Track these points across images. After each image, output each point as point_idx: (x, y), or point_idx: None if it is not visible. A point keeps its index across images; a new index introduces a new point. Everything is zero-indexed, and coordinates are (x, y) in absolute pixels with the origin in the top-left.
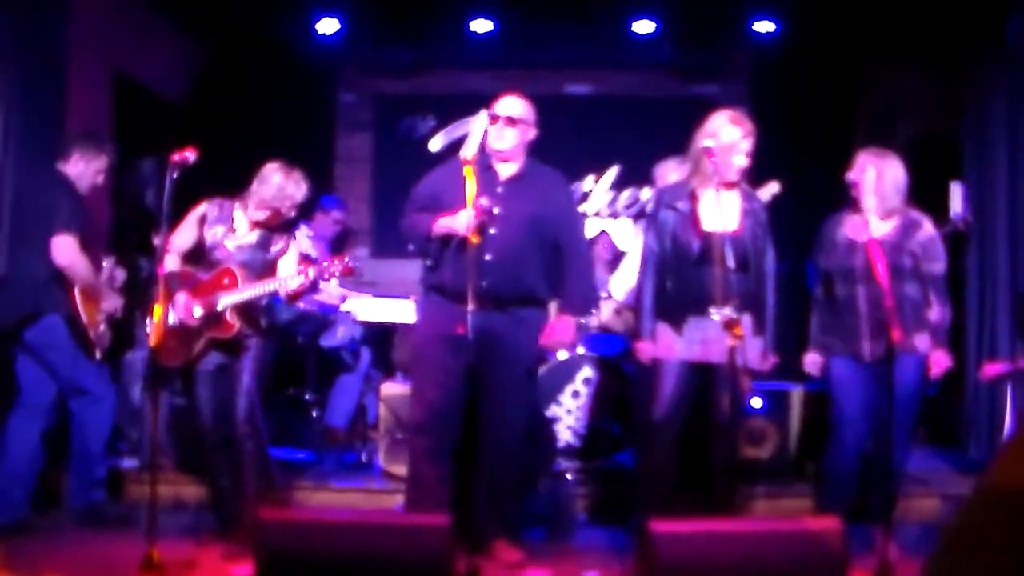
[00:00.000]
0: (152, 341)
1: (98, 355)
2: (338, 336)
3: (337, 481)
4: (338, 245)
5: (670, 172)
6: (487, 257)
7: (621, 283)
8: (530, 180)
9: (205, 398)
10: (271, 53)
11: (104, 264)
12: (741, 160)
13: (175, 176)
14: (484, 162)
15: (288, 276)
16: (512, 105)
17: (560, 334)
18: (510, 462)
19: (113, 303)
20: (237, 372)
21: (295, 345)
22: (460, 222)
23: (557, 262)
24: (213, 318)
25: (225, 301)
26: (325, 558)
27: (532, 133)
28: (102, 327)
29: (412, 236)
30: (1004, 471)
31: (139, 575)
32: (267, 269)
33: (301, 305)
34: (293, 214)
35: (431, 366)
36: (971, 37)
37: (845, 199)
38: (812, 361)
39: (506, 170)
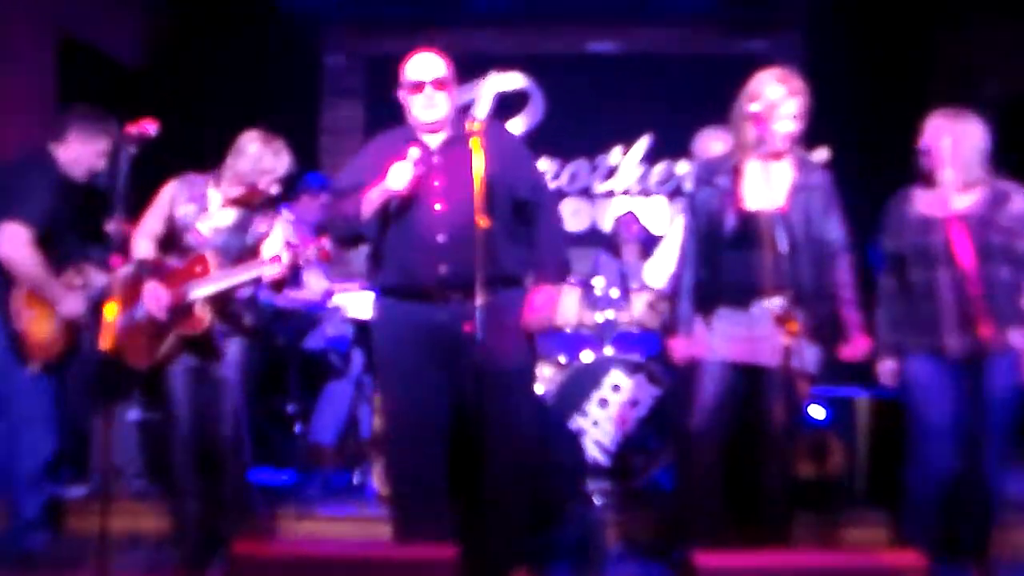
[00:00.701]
0: (104, 343)
1: (36, 367)
2: (325, 336)
3: (324, 508)
4: (324, 230)
5: (711, 143)
6: (439, 239)
7: (657, 271)
8: (464, 139)
9: (182, 403)
10: (245, 9)
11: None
12: (788, 125)
13: (132, 152)
14: (405, 136)
15: (259, 263)
16: (436, 65)
17: (542, 308)
18: (518, 482)
19: (71, 308)
20: (219, 379)
21: (274, 348)
22: (393, 178)
23: (523, 228)
24: (182, 312)
25: (196, 292)
26: None
27: (455, 92)
28: (52, 334)
29: (338, 226)
30: None
31: None
32: (247, 255)
33: (280, 302)
34: (275, 190)
35: (402, 380)
36: None
37: (916, 172)
38: (888, 369)
39: (436, 139)
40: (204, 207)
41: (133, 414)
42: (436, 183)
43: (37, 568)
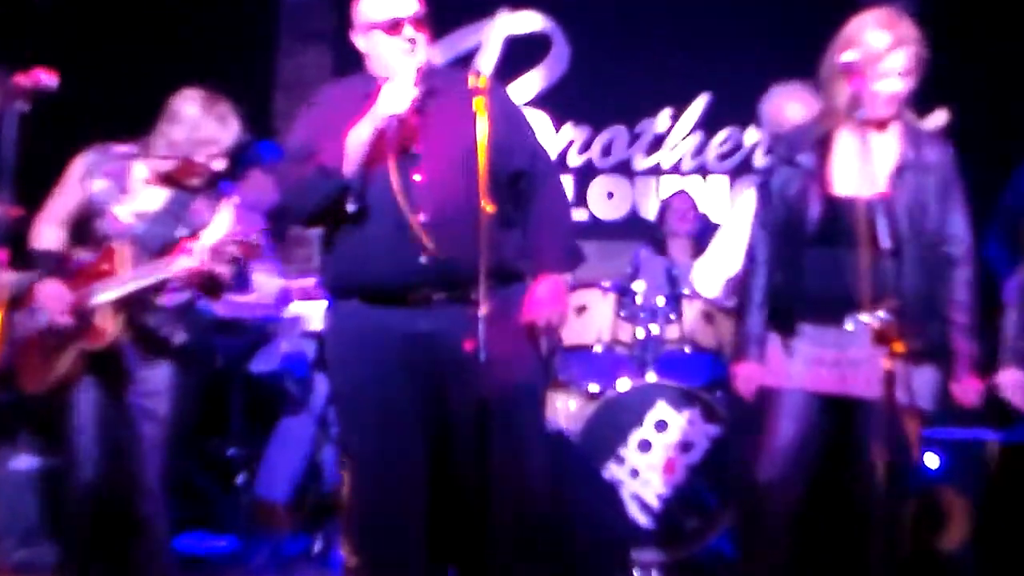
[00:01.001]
0: None
1: None
2: (279, 356)
3: None
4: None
5: (787, 105)
6: (421, 219)
7: (712, 272)
8: (448, 95)
9: (86, 441)
10: None
11: None
12: (894, 84)
13: (23, 110)
14: (367, 86)
15: (169, 260)
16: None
17: (548, 301)
18: (530, 548)
19: None
20: (135, 413)
21: (212, 372)
22: (387, 100)
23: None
24: (83, 320)
25: (100, 295)
26: None
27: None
28: None
29: (303, 192)
30: None
31: None
32: (180, 243)
33: (220, 311)
34: (218, 166)
35: (367, 413)
36: None
37: None
38: (1014, 380)
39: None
40: (124, 186)
41: (23, 461)
42: (412, 148)
43: None
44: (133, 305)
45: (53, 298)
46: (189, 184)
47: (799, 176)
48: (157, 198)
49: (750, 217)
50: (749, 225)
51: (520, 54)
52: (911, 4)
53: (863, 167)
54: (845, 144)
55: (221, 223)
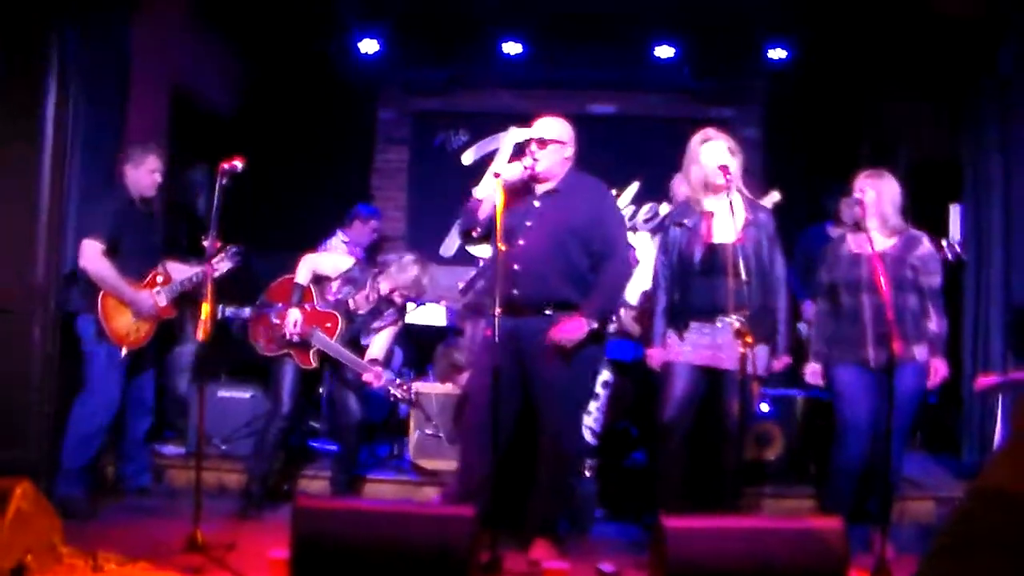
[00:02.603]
0: (200, 336)
1: (123, 354)
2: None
3: (370, 472)
4: (373, 251)
5: (680, 187)
6: (515, 267)
7: (635, 290)
8: (566, 193)
9: (287, 395)
10: (316, 71)
11: (157, 271)
12: (713, 166)
13: (224, 182)
14: (525, 182)
15: (365, 364)
16: (543, 127)
17: (567, 331)
18: (555, 463)
19: (141, 306)
20: (341, 378)
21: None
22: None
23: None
24: (302, 345)
25: (318, 341)
26: (356, 543)
27: (568, 151)
28: (130, 327)
29: (464, 214)
30: (995, 475)
31: (184, 554)
32: (362, 332)
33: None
34: (412, 307)
35: (475, 368)
36: (966, 67)
37: (842, 217)
38: (812, 371)
39: (543, 187)
40: (360, 290)
41: (224, 391)
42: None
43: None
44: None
45: (292, 322)
46: (390, 300)
47: (686, 232)
48: (368, 301)
49: (653, 258)
50: (654, 262)
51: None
52: (761, 128)
53: (725, 225)
54: (711, 207)
55: (385, 336)
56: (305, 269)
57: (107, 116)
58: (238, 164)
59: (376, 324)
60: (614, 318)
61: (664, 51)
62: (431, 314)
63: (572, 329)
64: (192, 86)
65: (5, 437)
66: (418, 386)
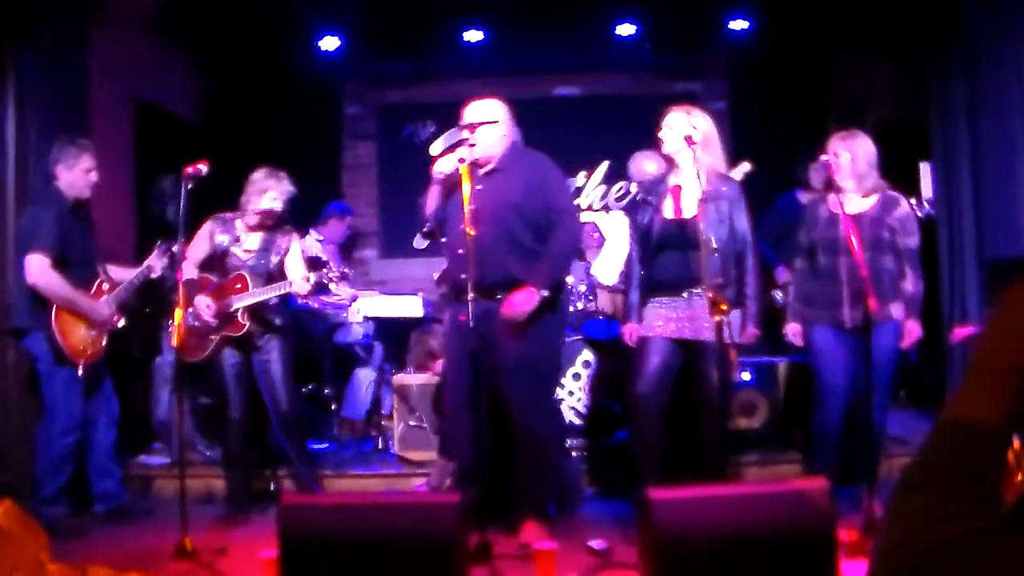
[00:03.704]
0: (174, 342)
1: (79, 370)
2: (351, 332)
3: (356, 468)
4: (347, 248)
5: (646, 163)
6: (460, 252)
7: (603, 269)
8: (506, 170)
9: (233, 390)
10: (278, 71)
11: (101, 277)
12: (676, 140)
13: (190, 187)
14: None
15: (293, 282)
16: (471, 112)
17: (518, 303)
18: (530, 443)
19: (99, 316)
20: (265, 370)
21: (311, 343)
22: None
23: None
24: (227, 318)
25: (238, 303)
26: (343, 537)
27: (503, 128)
28: (87, 340)
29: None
30: (953, 405)
31: (173, 562)
32: (276, 271)
33: (315, 306)
34: (280, 206)
35: (448, 357)
36: (931, 25)
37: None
38: (793, 331)
39: (484, 169)
40: (236, 237)
41: (204, 399)
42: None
43: (133, 517)
44: (258, 307)
45: (203, 307)
46: (269, 226)
47: (652, 208)
48: (255, 240)
49: (626, 235)
50: (627, 240)
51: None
52: (727, 100)
53: (691, 197)
54: (677, 181)
55: (296, 251)
56: (186, 268)
57: (68, 131)
58: (203, 168)
59: (275, 253)
60: (590, 298)
61: (626, 29)
62: (408, 306)
63: (523, 301)
64: (155, 97)
65: None
66: (399, 378)
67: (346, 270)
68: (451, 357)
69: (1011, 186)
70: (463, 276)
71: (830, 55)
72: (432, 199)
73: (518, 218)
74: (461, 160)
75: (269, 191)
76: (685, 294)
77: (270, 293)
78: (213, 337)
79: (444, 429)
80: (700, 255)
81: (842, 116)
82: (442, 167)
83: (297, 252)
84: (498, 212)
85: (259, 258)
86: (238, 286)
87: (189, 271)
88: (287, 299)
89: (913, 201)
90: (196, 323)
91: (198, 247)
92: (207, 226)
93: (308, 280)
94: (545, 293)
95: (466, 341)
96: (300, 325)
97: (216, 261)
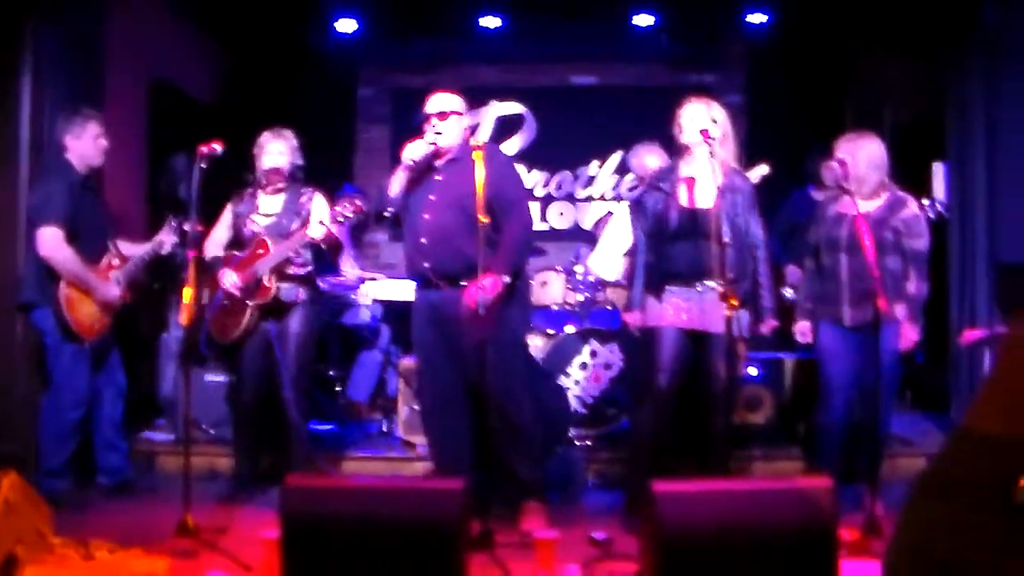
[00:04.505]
0: (183, 321)
1: (85, 345)
2: (358, 314)
3: (359, 450)
4: (358, 230)
5: (648, 157)
6: (423, 240)
7: (601, 262)
8: (464, 160)
9: (250, 372)
10: (294, 53)
11: (112, 253)
12: (694, 134)
13: (203, 166)
14: (428, 158)
15: (309, 229)
16: (440, 101)
17: (484, 289)
18: (512, 435)
19: (107, 293)
20: (285, 339)
21: (323, 321)
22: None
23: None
24: (254, 286)
25: (262, 269)
26: (347, 521)
27: (465, 121)
28: (94, 316)
29: (376, 200)
30: (973, 416)
31: (175, 539)
32: (301, 227)
33: (323, 286)
34: (286, 162)
35: (420, 345)
36: (950, 24)
37: (827, 180)
38: (802, 329)
39: (443, 159)
40: (254, 206)
41: (211, 377)
42: (430, 195)
43: (138, 493)
44: (283, 270)
45: (226, 279)
46: (286, 186)
47: (662, 197)
48: (277, 203)
49: (628, 225)
50: (630, 230)
51: (506, 127)
52: (742, 94)
53: (705, 191)
54: (691, 172)
55: (320, 203)
56: (209, 249)
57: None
58: (217, 148)
59: (296, 213)
60: (598, 288)
61: (643, 19)
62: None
63: (486, 288)
64: (171, 75)
65: None
66: (405, 362)
67: (359, 203)
68: (424, 346)
69: None
70: (425, 264)
71: (847, 52)
72: (397, 184)
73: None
74: (432, 144)
75: (272, 149)
76: (698, 285)
77: (290, 248)
78: (244, 312)
79: (430, 421)
80: (712, 246)
81: (857, 113)
82: (412, 153)
83: (322, 206)
84: (459, 201)
85: (279, 220)
86: (260, 251)
87: (214, 251)
88: (313, 274)
89: (926, 202)
90: (226, 301)
91: (221, 227)
92: (229, 207)
93: (322, 223)
94: (507, 279)
95: (441, 329)
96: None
97: (240, 236)
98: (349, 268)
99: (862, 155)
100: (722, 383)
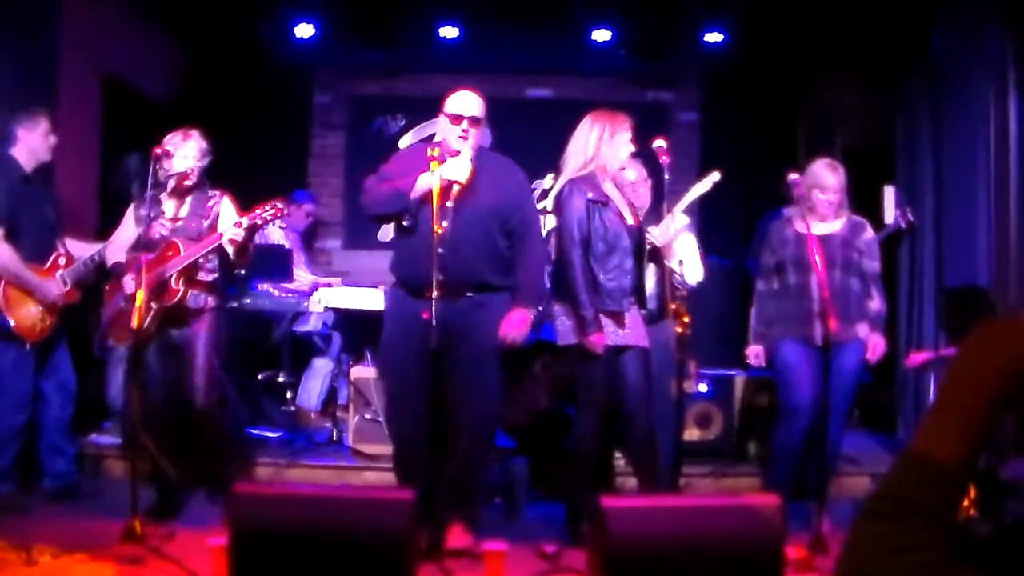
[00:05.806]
0: (133, 324)
1: (26, 347)
2: (310, 321)
3: (309, 458)
4: (309, 236)
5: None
6: (440, 251)
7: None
8: (482, 171)
9: (154, 375)
10: (251, 56)
11: (59, 251)
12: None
13: (156, 168)
14: (427, 151)
15: (224, 230)
16: (474, 104)
17: (515, 327)
18: (476, 448)
19: (48, 293)
20: (192, 347)
21: (270, 330)
22: (453, 170)
23: (513, 249)
24: (160, 288)
25: (170, 269)
26: (295, 529)
27: (487, 130)
28: (35, 318)
29: (382, 200)
30: (918, 441)
31: (121, 545)
32: (209, 231)
33: (276, 293)
34: (191, 165)
35: (394, 353)
36: (899, 52)
37: (787, 198)
38: (755, 353)
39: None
40: (159, 210)
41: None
42: (448, 201)
43: (81, 498)
44: (192, 269)
45: (129, 285)
46: (191, 189)
47: (600, 210)
48: (183, 207)
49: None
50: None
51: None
52: (698, 111)
53: (630, 207)
54: (615, 193)
55: (228, 207)
56: (110, 254)
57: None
58: (171, 149)
59: (204, 216)
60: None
61: (601, 34)
62: (369, 299)
63: (517, 324)
64: (125, 74)
65: None
66: (356, 370)
67: (280, 206)
68: (399, 355)
69: (972, 215)
70: (439, 276)
71: (801, 75)
72: (422, 191)
73: (495, 221)
74: (452, 153)
75: (180, 153)
76: (643, 304)
77: (203, 249)
78: (147, 315)
79: (392, 428)
80: (649, 264)
81: (810, 136)
82: (458, 175)
83: (229, 210)
84: (479, 212)
85: (186, 223)
86: (169, 253)
87: (116, 255)
88: (224, 279)
89: (897, 212)
90: (125, 304)
91: (124, 230)
92: (130, 209)
93: (240, 225)
94: (536, 311)
95: (423, 340)
96: (259, 312)
97: (148, 239)
98: (303, 274)
99: (807, 179)
100: (675, 397)
